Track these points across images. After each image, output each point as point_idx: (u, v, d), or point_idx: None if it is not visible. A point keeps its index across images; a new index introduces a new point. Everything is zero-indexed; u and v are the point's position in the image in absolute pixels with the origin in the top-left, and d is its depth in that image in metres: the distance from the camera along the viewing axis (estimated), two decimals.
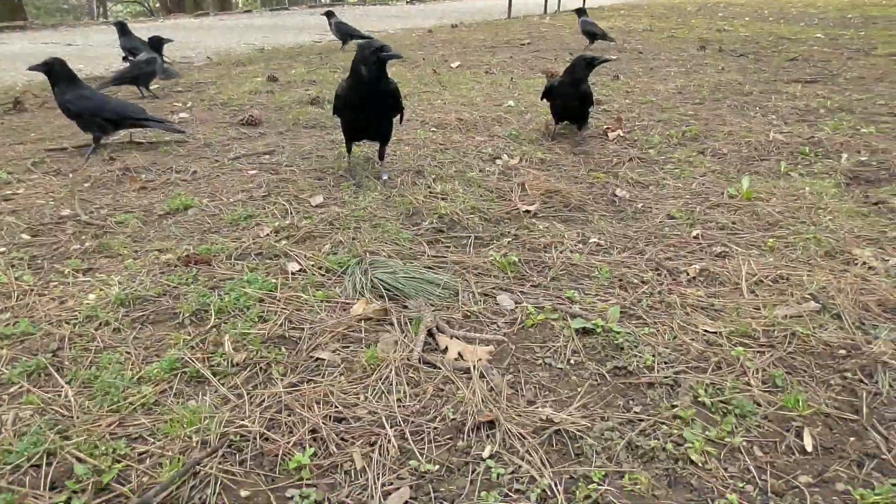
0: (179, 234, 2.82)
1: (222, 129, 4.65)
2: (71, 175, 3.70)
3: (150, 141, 4.42)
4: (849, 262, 2.64)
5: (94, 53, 9.33)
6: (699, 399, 1.78)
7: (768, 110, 5.32)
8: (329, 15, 8.99)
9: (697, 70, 7.21)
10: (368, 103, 3.25)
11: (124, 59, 6.93)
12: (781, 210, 3.17)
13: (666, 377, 1.87)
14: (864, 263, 2.62)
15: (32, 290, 2.31)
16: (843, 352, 2.04)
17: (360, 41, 3.16)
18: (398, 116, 3.47)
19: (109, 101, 4.25)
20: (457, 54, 8.44)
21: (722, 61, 7.84)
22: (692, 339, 2.06)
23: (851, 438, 1.69)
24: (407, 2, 23.62)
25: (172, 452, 1.53)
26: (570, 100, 4.26)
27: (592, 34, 8.61)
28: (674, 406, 1.74)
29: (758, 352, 2.02)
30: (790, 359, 2.00)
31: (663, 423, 1.68)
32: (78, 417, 1.65)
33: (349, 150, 3.54)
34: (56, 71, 4.05)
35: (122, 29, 6.88)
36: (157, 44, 5.97)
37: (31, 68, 4.07)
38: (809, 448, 1.66)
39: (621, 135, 4.46)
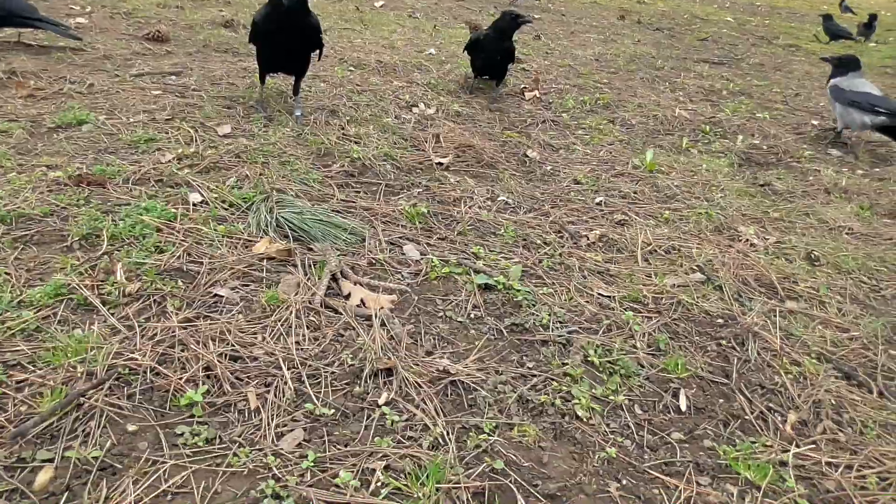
0: (71, 150, 2.63)
1: (125, 42, 4.33)
2: None
3: (42, 44, 4.06)
4: (734, 239, 2.82)
5: None
6: (589, 359, 1.87)
7: (677, 87, 5.53)
8: None
9: (615, 39, 7.35)
10: (287, 35, 3.09)
11: None
12: (679, 184, 3.33)
13: (560, 336, 1.95)
14: (747, 240, 2.81)
15: None
16: (720, 321, 2.19)
17: None
18: (317, 52, 3.34)
19: None
20: None
21: (639, 33, 8.03)
22: (587, 302, 2.16)
23: (721, 400, 1.83)
24: None
25: (54, 382, 1.46)
26: (493, 55, 4.20)
27: None
28: (565, 364, 1.83)
29: (646, 317, 2.14)
30: (674, 325, 2.13)
31: (554, 380, 1.76)
32: None
33: (262, 81, 3.40)
34: None
35: None
36: None
37: None
38: (684, 408, 1.79)
39: (537, 96, 4.50)
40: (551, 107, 4.38)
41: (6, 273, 1.80)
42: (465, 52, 4.44)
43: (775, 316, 2.24)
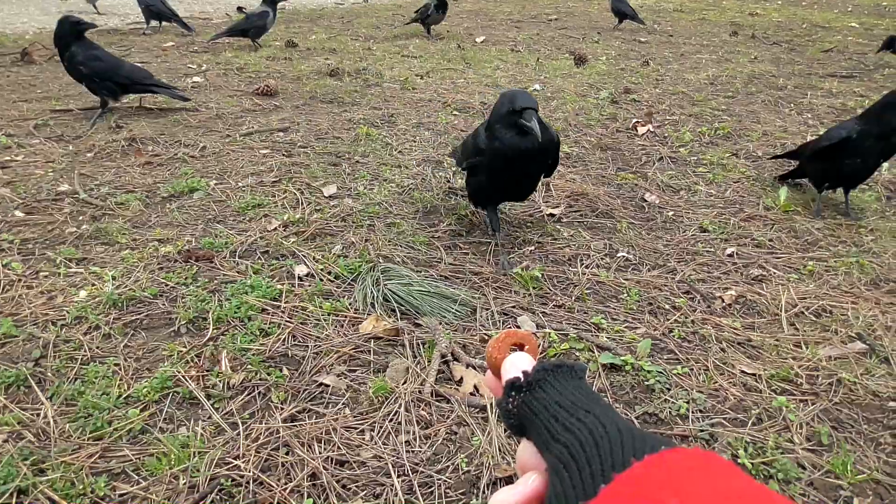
0: (182, 220, 2.65)
1: (236, 99, 4.45)
2: (74, 142, 3.52)
3: (160, 108, 4.23)
4: (895, 293, 2.45)
5: (109, 2, 9.06)
6: (738, 460, 1.62)
7: (804, 108, 5.07)
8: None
9: (729, 58, 6.92)
10: (525, 166, 2.38)
11: (239, 10, 7.49)
12: (821, 227, 2.98)
13: (702, 430, 1.70)
14: None
15: (20, 281, 2.15)
16: (893, 404, 1.87)
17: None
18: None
19: (123, 64, 4.05)
20: (482, 28, 8.14)
21: (755, 49, 7.53)
22: (730, 383, 1.89)
23: None
24: None
25: (157, 496, 1.39)
26: (871, 159, 2.97)
27: (622, 13, 8.27)
28: None
29: (801, 401, 1.85)
30: (836, 411, 1.83)
31: None
32: (56, 445, 1.50)
33: (486, 208, 2.62)
34: (66, 30, 3.84)
35: None
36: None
37: None
38: None
39: (651, 130, 4.23)
40: (667, 141, 4.10)
41: (115, 365, 1.77)
42: (802, 159, 3.29)
43: None
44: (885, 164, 3.84)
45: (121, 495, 1.40)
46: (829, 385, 1.92)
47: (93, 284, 2.14)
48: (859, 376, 1.95)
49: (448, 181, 3.16)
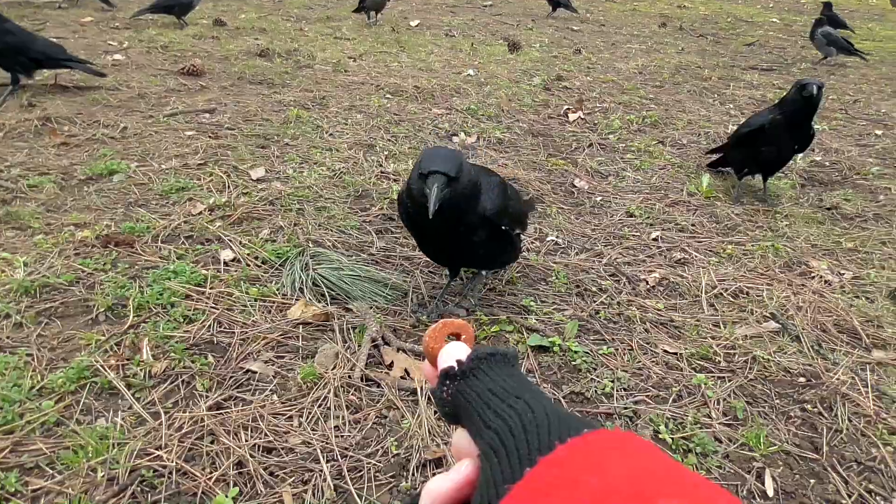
0: (101, 204, 2.54)
1: (160, 78, 4.28)
2: None
3: (77, 86, 4.02)
4: (806, 275, 2.58)
5: None
6: (660, 435, 1.67)
7: (726, 98, 5.26)
8: None
9: (658, 49, 7.10)
10: (447, 228, 1.85)
11: None
12: (740, 212, 3.10)
13: (626, 408, 1.75)
14: (821, 277, 2.57)
15: None
16: (802, 380, 1.97)
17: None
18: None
19: (36, 39, 3.84)
20: (416, 12, 8.09)
21: (682, 41, 7.75)
22: (652, 362, 1.96)
23: (812, 481, 1.62)
24: None
25: (73, 491, 1.33)
26: (785, 146, 3.14)
27: (556, 1, 8.35)
28: None
29: (719, 378, 1.93)
30: (751, 387, 1.91)
31: None
32: None
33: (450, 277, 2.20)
34: None
35: None
36: None
37: None
38: (770, 492, 1.58)
39: (581, 117, 4.30)
40: (597, 128, 4.18)
41: (28, 355, 1.69)
42: (721, 152, 3.52)
43: (864, 371, 2.00)
44: (800, 155, 4.04)
45: (33, 490, 1.34)
46: (745, 362, 2.01)
47: (2, 271, 2.02)
48: (772, 354, 2.05)
49: (380, 165, 3.14)
